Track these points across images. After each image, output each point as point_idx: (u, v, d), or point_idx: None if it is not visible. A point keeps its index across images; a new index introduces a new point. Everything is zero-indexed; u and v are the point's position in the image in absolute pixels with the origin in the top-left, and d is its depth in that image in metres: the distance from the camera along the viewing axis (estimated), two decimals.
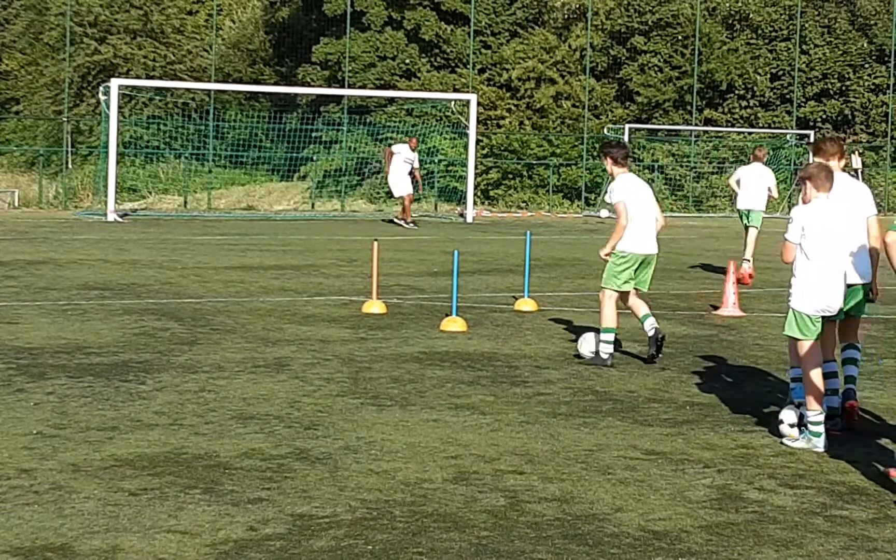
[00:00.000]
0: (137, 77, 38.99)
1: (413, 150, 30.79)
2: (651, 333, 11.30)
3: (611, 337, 11.28)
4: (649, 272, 11.44)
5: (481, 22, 41.73)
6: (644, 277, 11.42)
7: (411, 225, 30.19)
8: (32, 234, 24.93)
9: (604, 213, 37.92)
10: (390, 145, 31.83)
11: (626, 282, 11.28)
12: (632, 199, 11.23)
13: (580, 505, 6.77)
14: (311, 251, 22.64)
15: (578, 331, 13.31)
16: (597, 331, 11.42)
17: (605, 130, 40.54)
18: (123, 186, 35.26)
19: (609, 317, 11.27)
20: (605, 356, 11.24)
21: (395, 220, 30.87)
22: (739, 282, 16.47)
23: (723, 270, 18.37)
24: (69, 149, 37.46)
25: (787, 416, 8.41)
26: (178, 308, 14.30)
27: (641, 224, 11.24)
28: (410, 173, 30.77)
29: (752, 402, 9.51)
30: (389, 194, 31.73)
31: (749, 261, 18.88)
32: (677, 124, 41.40)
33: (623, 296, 11.40)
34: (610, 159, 11.36)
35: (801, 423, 8.31)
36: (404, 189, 30.59)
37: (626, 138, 37.60)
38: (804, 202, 8.41)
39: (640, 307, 11.46)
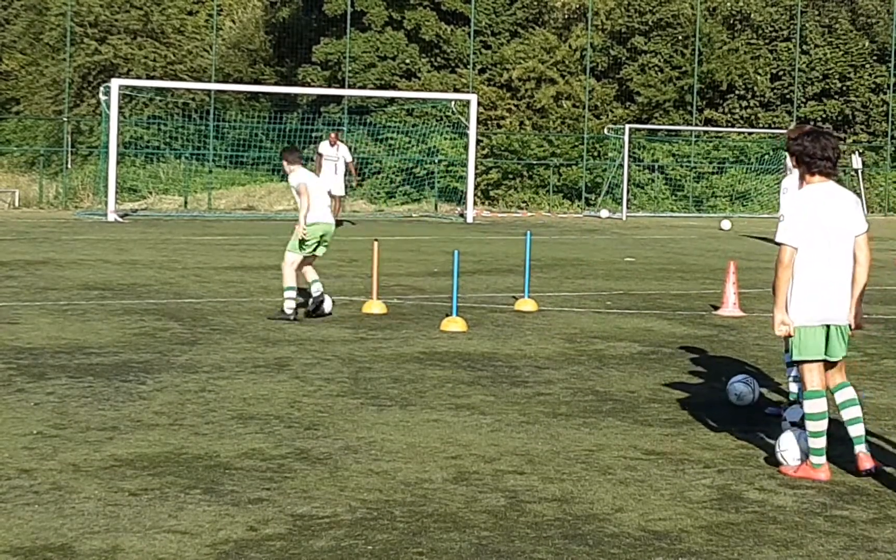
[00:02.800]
0: (138, 77, 38.94)
1: (332, 145, 28.97)
2: (316, 295, 13.79)
3: (293, 294, 13.52)
4: (328, 238, 14.11)
5: (481, 22, 41.70)
6: (326, 242, 14.06)
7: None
8: (32, 234, 24.93)
9: (604, 212, 37.94)
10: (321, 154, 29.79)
11: (310, 246, 13.76)
12: (312, 183, 14.09)
13: (580, 505, 6.77)
14: None
15: (578, 330, 13.36)
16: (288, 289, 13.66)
17: (606, 130, 40.56)
18: (124, 186, 35.23)
19: (289, 276, 13.59)
20: (289, 312, 13.45)
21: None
22: None
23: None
24: (69, 149, 37.44)
25: (792, 415, 8.40)
26: (178, 308, 14.31)
27: (322, 202, 14.11)
28: (346, 171, 29.14)
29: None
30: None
31: None
32: (677, 124, 41.37)
33: (302, 262, 13.78)
34: (288, 161, 14.12)
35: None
36: (336, 189, 28.46)
37: (626, 138, 37.64)
38: None
39: (310, 273, 13.90)
